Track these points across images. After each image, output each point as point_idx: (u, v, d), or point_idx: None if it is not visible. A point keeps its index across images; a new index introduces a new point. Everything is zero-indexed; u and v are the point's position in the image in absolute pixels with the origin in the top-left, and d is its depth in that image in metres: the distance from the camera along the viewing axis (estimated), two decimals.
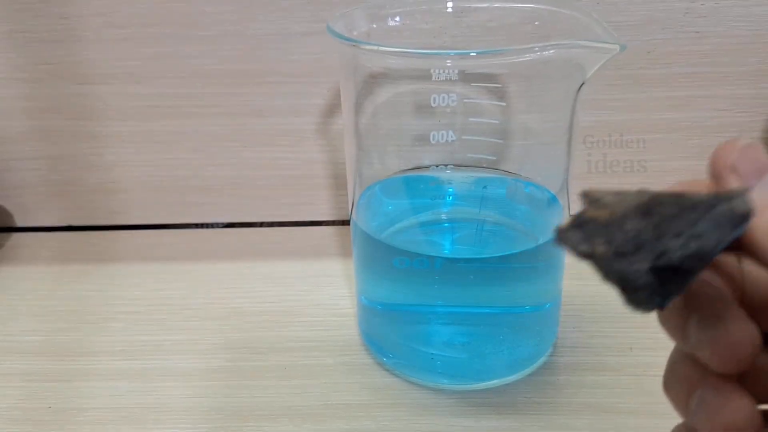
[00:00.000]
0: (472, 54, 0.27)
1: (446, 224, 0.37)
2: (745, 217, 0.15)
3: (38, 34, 0.46)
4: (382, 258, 0.34)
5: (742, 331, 0.17)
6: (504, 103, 0.31)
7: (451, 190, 0.36)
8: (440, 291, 0.34)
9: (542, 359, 0.36)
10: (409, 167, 0.36)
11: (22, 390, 0.36)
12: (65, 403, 0.35)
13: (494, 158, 0.33)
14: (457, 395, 0.34)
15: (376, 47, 0.28)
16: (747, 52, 0.44)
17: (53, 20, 0.45)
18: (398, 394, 0.34)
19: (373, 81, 0.32)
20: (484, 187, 0.36)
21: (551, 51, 0.26)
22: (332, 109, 0.47)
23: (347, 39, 0.29)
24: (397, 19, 0.34)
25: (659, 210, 0.15)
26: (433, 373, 0.35)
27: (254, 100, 0.47)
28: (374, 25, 0.34)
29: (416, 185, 0.37)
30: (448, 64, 0.28)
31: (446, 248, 0.36)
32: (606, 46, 0.27)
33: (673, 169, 0.48)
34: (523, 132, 0.32)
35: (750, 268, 0.19)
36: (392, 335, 0.36)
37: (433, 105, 0.30)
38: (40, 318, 0.42)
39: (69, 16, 0.45)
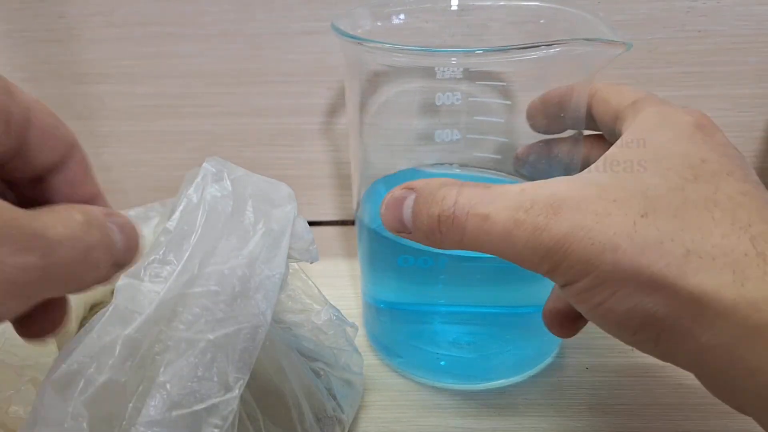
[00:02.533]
0: (478, 51, 0.27)
1: None
2: None
3: (37, 34, 0.46)
4: (387, 256, 0.34)
5: None
6: (509, 102, 0.31)
7: None
8: (445, 290, 0.33)
9: (548, 360, 0.36)
10: (414, 166, 0.35)
11: None
12: None
13: (500, 157, 0.33)
14: (461, 395, 0.34)
15: (381, 45, 0.28)
16: (748, 51, 0.44)
17: (52, 19, 0.45)
18: (402, 395, 0.34)
19: (377, 79, 0.32)
20: None
21: (558, 48, 0.26)
22: (333, 108, 0.47)
23: (352, 37, 0.29)
24: (401, 17, 0.34)
25: None
26: (438, 373, 0.34)
27: (254, 100, 0.47)
28: (378, 23, 0.34)
29: None
30: (453, 62, 0.28)
31: None
32: (613, 44, 0.27)
33: None
34: (529, 131, 0.32)
35: None
36: (397, 335, 0.36)
37: (437, 103, 0.30)
38: None
39: (68, 15, 0.45)
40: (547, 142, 0.32)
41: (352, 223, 0.52)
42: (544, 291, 0.29)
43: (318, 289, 0.32)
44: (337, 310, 0.31)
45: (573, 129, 0.31)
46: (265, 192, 0.27)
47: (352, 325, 0.32)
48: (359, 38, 0.29)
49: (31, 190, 0.21)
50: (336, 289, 0.43)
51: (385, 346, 0.36)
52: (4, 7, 0.45)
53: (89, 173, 0.22)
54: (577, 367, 0.36)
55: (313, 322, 0.30)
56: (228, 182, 0.26)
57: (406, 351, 0.35)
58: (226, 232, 0.25)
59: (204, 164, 0.26)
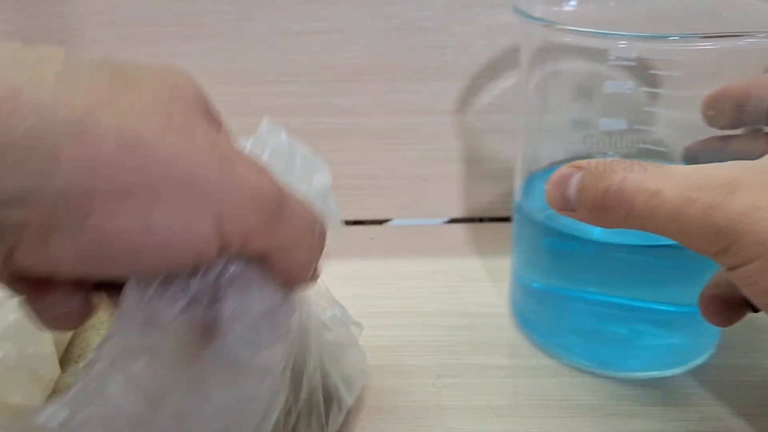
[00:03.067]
0: (674, 38, 0.26)
1: None
2: None
3: (37, 34, 0.46)
4: (533, 236, 0.34)
5: None
6: (681, 94, 0.30)
7: None
8: (589, 277, 0.33)
9: (699, 360, 0.35)
10: (578, 154, 0.34)
11: None
12: None
13: (665, 150, 0.32)
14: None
15: (569, 28, 0.28)
16: None
17: (52, 19, 0.45)
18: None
19: (553, 62, 0.32)
20: None
21: (746, 40, 0.25)
22: (333, 108, 0.47)
23: (539, 19, 0.29)
24: (573, 3, 0.34)
25: None
26: (576, 355, 0.35)
27: (254, 100, 0.47)
28: (553, 8, 0.34)
29: None
30: (633, 48, 0.28)
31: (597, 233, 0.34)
32: None
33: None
34: (698, 125, 0.30)
35: None
36: (539, 314, 0.37)
37: (607, 91, 0.29)
38: None
39: (67, 15, 0.45)
40: (722, 137, 0.30)
41: (353, 223, 0.52)
42: (690, 290, 0.29)
43: (326, 287, 0.31)
44: (343, 309, 0.31)
45: (752, 125, 0.30)
46: (309, 158, 0.28)
47: (357, 324, 0.32)
48: (548, 21, 0.29)
49: None
50: (339, 289, 0.42)
51: (529, 322, 0.37)
52: (4, 7, 0.45)
53: None
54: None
55: (317, 317, 0.30)
56: (285, 136, 0.27)
57: (548, 329, 0.36)
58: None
59: (264, 120, 0.28)
